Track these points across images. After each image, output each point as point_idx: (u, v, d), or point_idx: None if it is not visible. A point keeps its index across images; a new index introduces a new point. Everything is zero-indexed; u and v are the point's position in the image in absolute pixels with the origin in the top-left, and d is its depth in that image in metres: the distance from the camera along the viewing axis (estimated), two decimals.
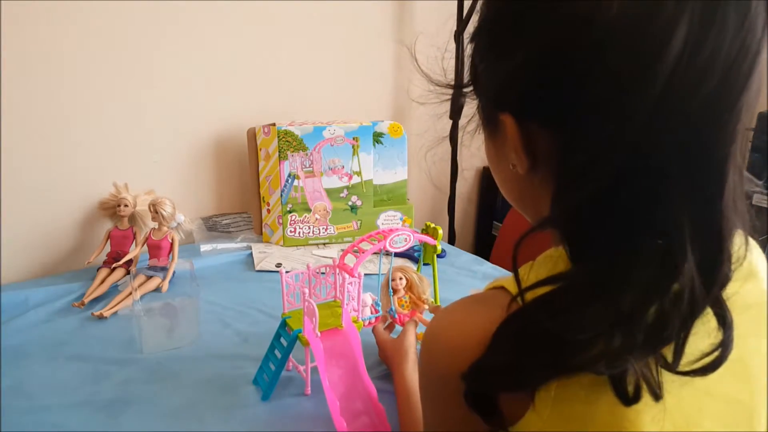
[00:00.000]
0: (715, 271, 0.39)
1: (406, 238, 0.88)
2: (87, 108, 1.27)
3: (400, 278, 0.95)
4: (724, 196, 0.38)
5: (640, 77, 0.35)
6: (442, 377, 0.45)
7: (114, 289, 1.17)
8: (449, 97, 0.51)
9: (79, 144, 1.28)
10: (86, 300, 1.11)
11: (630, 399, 0.38)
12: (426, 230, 0.98)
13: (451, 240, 1.95)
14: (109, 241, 1.25)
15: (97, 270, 1.20)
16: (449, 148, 1.83)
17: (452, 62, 0.50)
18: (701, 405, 0.42)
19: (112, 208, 1.27)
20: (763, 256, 0.51)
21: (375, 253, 0.87)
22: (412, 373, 0.81)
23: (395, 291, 0.96)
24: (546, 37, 0.39)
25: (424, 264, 1.02)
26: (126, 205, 1.24)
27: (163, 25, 1.32)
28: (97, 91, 1.27)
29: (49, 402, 0.83)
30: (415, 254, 1.37)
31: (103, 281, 1.17)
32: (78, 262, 1.29)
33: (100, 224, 1.32)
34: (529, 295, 0.40)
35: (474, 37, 0.46)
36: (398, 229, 0.88)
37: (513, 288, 0.42)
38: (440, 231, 0.95)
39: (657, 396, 0.38)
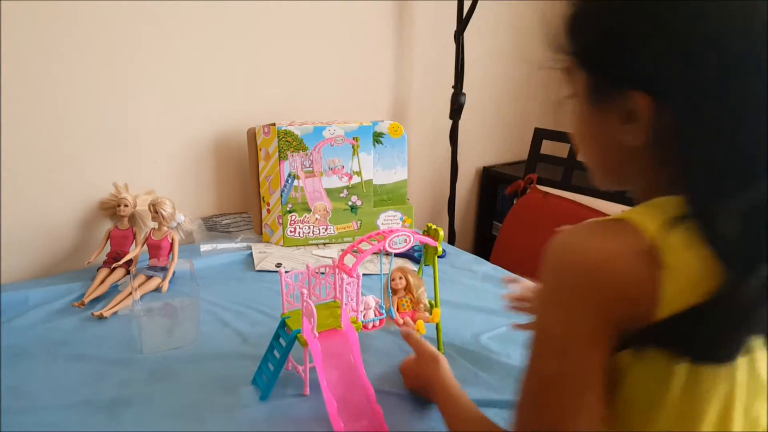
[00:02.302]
0: None
1: (406, 239, 0.87)
2: (87, 108, 1.27)
3: (400, 278, 0.95)
4: None
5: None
6: (575, 286, 0.48)
7: (114, 289, 1.17)
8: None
9: (79, 144, 1.28)
10: (86, 300, 1.11)
11: None
12: (427, 232, 0.98)
13: (451, 240, 1.95)
14: (109, 241, 1.25)
15: (97, 270, 1.20)
16: (449, 148, 1.83)
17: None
18: None
19: (112, 208, 1.27)
20: None
21: (375, 253, 0.87)
22: (451, 377, 0.76)
23: (395, 291, 0.96)
24: (684, 23, 0.44)
25: (425, 265, 1.01)
26: (126, 205, 1.24)
27: (162, 24, 1.32)
28: (97, 91, 1.27)
29: (49, 402, 0.83)
30: (415, 254, 1.37)
31: (103, 281, 1.17)
32: (78, 262, 1.29)
33: (100, 224, 1.32)
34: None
35: (589, 16, 0.50)
36: (398, 230, 0.88)
37: (640, 221, 0.46)
38: (441, 233, 0.95)
39: None
